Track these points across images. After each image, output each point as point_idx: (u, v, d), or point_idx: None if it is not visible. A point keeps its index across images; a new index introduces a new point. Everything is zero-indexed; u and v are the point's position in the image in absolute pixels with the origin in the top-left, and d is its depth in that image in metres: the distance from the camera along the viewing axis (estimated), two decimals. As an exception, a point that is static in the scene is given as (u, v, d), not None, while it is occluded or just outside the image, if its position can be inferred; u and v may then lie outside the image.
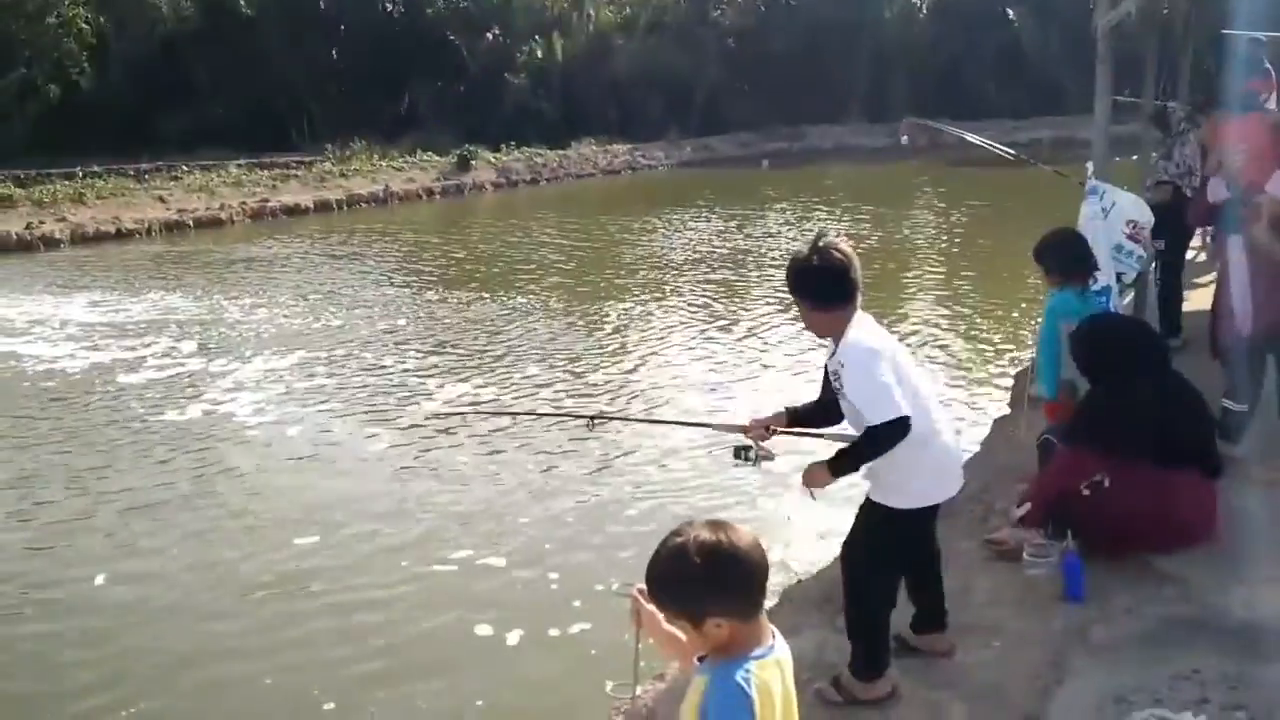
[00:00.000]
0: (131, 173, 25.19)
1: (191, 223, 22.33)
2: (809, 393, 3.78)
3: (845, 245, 3.37)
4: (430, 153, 30.31)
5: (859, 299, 3.38)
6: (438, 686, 4.77)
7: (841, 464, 3.35)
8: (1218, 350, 5.34)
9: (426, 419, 5.89)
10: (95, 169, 25.02)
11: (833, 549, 5.50)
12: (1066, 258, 5.00)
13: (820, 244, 3.34)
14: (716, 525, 2.00)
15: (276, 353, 11.20)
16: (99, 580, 5.98)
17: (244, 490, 7.27)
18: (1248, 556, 4.14)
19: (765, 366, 10.25)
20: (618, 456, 7.70)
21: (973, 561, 4.41)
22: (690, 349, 11.11)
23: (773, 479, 6.32)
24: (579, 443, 7.98)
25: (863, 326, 3.37)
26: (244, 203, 23.64)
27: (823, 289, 3.36)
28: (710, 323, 12.29)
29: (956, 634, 3.83)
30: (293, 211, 24.05)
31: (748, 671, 1.92)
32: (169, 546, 6.38)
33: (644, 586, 2.20)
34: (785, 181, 28.11)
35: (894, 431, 3.22)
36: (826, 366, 3.48)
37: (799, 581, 4.75)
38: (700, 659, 2.05)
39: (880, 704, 3.47)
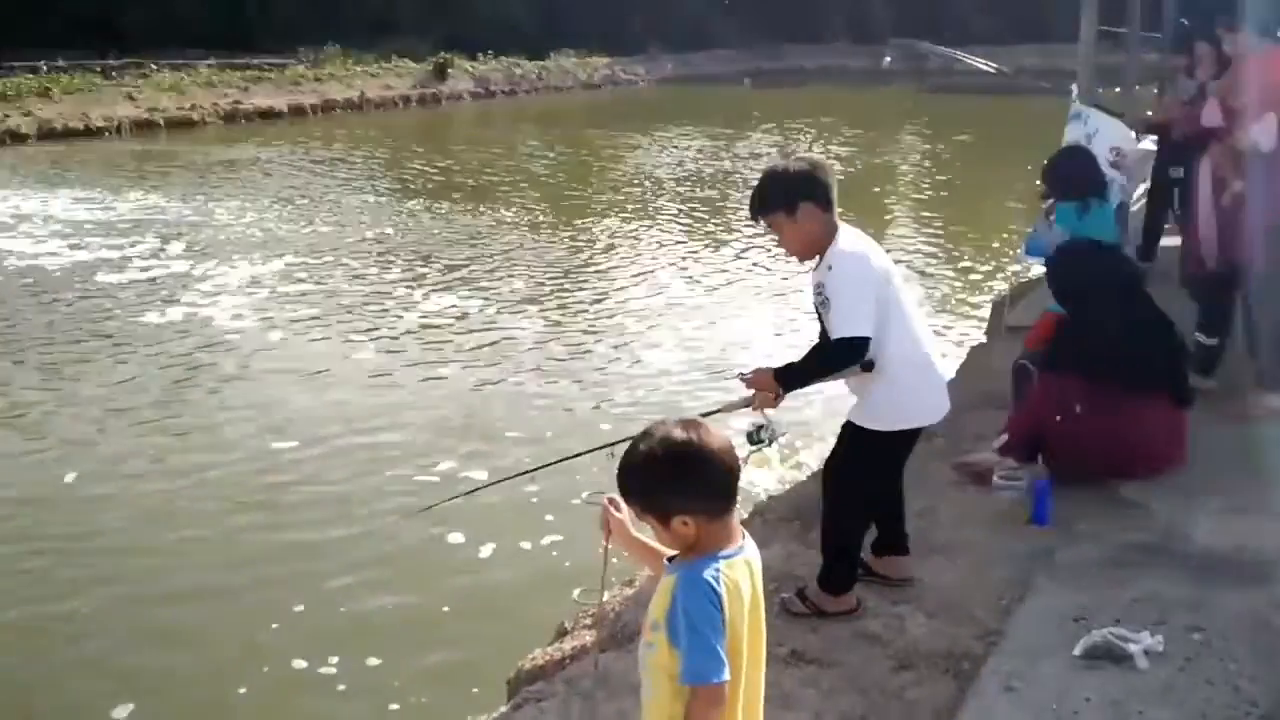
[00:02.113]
0: (99, 69, 24.47)
1: (163, 122, 21.85)
2: (802, 318, 3.67)
3: (815, 156, 3.26)
4: (406, 59, 29.55)
5: (835, 212, 3.26)
6: (408, 598, 4.73)
7: (792, 375, 3.27)
8: (1186, 282, 5.29)
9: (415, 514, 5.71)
10: (60, 64, 24.25)
11: (803, 470, 5.56)
12: (1072, 176, 5.10)
13: (787, 154, 3.24)
14: (688, 424, 1.97)
15: (262, 258, 11.04)
16: (69, 479, 5.88)
17: (224, 396, 7.20)
18: (1212, 487, 4.16)
19: (755, 286, 10.18)
20: (606, 376, 7.66)
21: (942, 484, 4.42)
22: (680, 268, 11.01)
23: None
24: (564, 362, 7.96)
25: (854, 236, 3.27)
26: (216, 104, 23.11)
27: (793, 193, 3.20)
28: (700, 242, 12.19)
29: (922, 552, 3.84)
30: (266, 115, 23.55)
31: (717, 570, 1.90)
32: (143, 451, 6.30)
33: (613, 496, 2.19)
34: (769, 102, 27.72)
35: (853, 351, 3.14)
36: (813, 283, 3.38)
37: (769, 498, 4.75)
38: (670, 560, 2.04)
39: (844, 616, 3.49)
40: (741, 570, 1.94)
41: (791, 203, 3.22)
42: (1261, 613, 3.28)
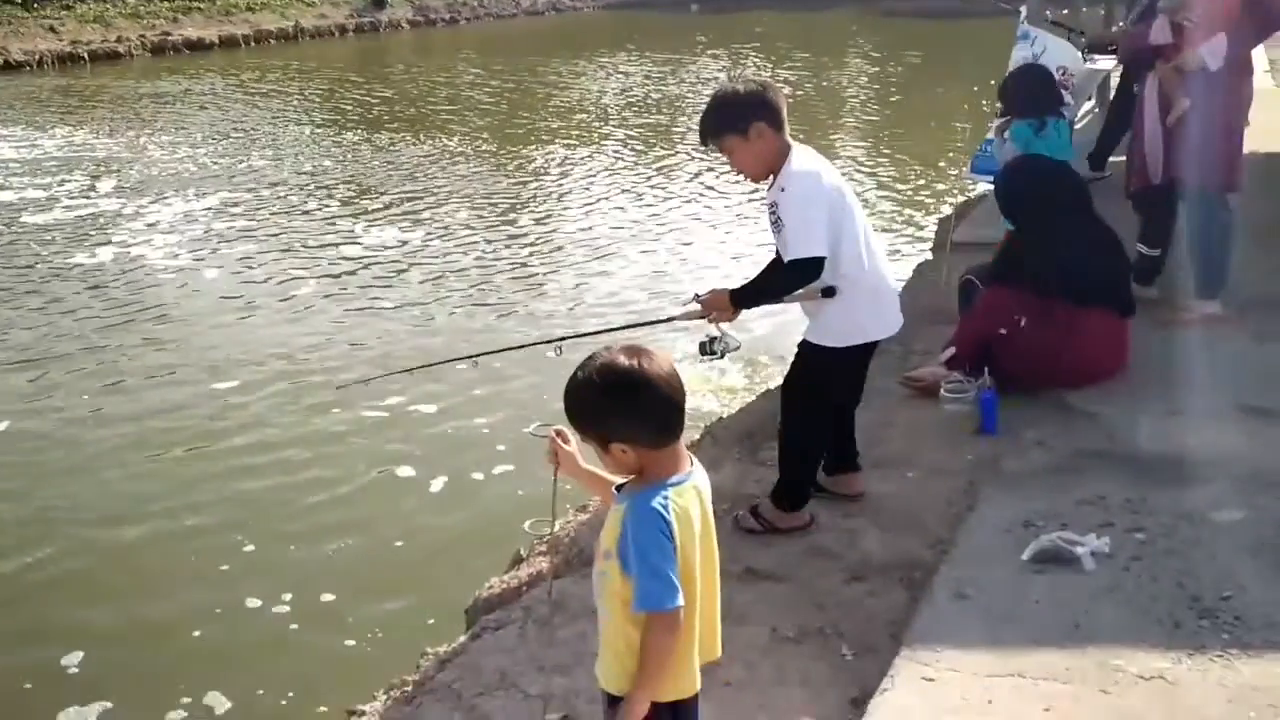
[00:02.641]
0: (18, 0, 23.27)
1: (87, 55, 20.93)
2: (758, 240, 3.62)
3: (764, 77, 3.20)
4: (342, -14, 28.59)
5: (787, 131, 3.23)
6: (362, 535, 4.65)
7: (745, 295, 3.28)
8: (1131, 194, 5.32)
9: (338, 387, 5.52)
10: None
11: (754, 391, 5.54)
12: (1030, 94, 5.12)
13: (735, 77, 3.17)
14: (633, 351, 1.91)
15: (196, 194, 10.70)
16: (1, 427, 5.70)
17: (161, 338, 6.99)
18: (1154, 392, 4.21)
19: (708, 208, 10.08)
20: (556, 306, 7.55)
21: (891, 399, 4.43)
22: (632, 194, 10.86)
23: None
24: (512, 294, 7.83)
25: (807, 155, 3.24)
26: (143, 36, 22.18)
27: (745, 115, 3.17)
28: (650, 168, 12.03)
29: (873, 466, 3.86)
30: (196, 46, 22.68)
31: (665, 498, 1.87)
32: (80, 397, 6.10)
33: (561, 428, 2.15)
34: (716, 26, 27.29)
35: (808, 270, 3.15)
36: (767, 202, 3.34)
37: (721, 419, 4.74)
38: (618, 489, 2.00)
39: (798, 532, 3.50)
40: (690, 496, 1.91)
41: (744, 125, 3.19)
42: (1198, 511, 3.34)
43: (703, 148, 3.37)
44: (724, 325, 3.34)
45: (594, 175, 11.76)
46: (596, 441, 1.93)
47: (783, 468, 3.57)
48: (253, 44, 23.72)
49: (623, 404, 1.89)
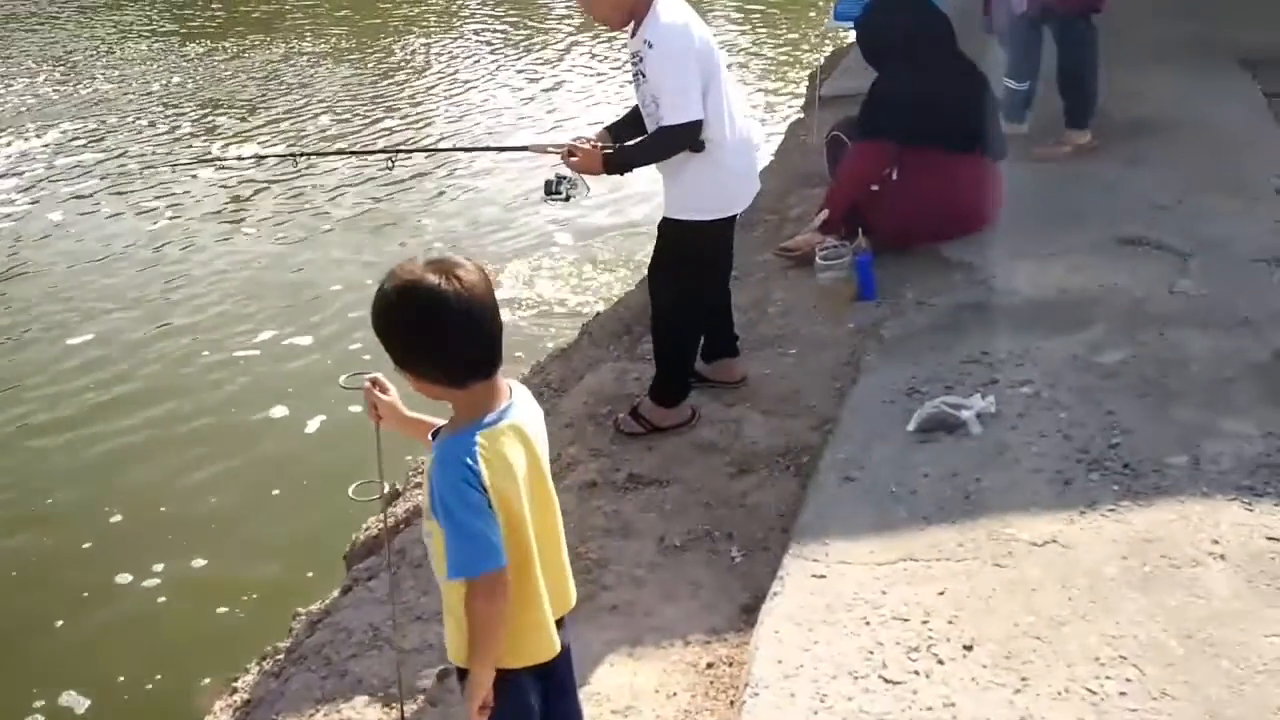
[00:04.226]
0: None
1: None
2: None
3: None
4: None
5: None
6: (231, 492, 4.23)
7: (619, 159, 2.98)
8: (994, 27, 5.02)
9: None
10: None
11: (631, 280, 5.22)
12: None
13: None
14: (440, 266, 1.56)
15: (36, 129, 9.67)
16: None
17: (4, 294, 6.32)
18: (1031, 235, 4.02)
19: (585, 89, 9.49)
20: (434, 210, 7.03)
21: (769, 273, 4.17)
22: (500, 80, 10.18)
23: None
24: (381, 202, 7.29)
25: (674, 6, 2.87)
26: (-52, -45, 19.89)
27: None
28: (513, 49, 11.30)
29: (754, 347, 3.62)
30: (14, -35, 20.46)
31: (473, 444, 1.56)
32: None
33: (376, 376, 1.84)
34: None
35: (687, 135, 2.87)
36: (629, 51, 2.97)
37: (597, 315, 4.43)
38: (433, 435, 1.69)
39: (681, 429, 3.26)
40: (508, 438, 1.61)
41: None
42: (1082, 356, 3.18)
43: (566, 16, 2.96)
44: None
45: (459, 62, 11.00)
46: (402, 370, 1.62)
47: (659, 361, 3.30)
48: (78, -48, 21.50)
49: (422, 336, 1.57)
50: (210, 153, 8.65)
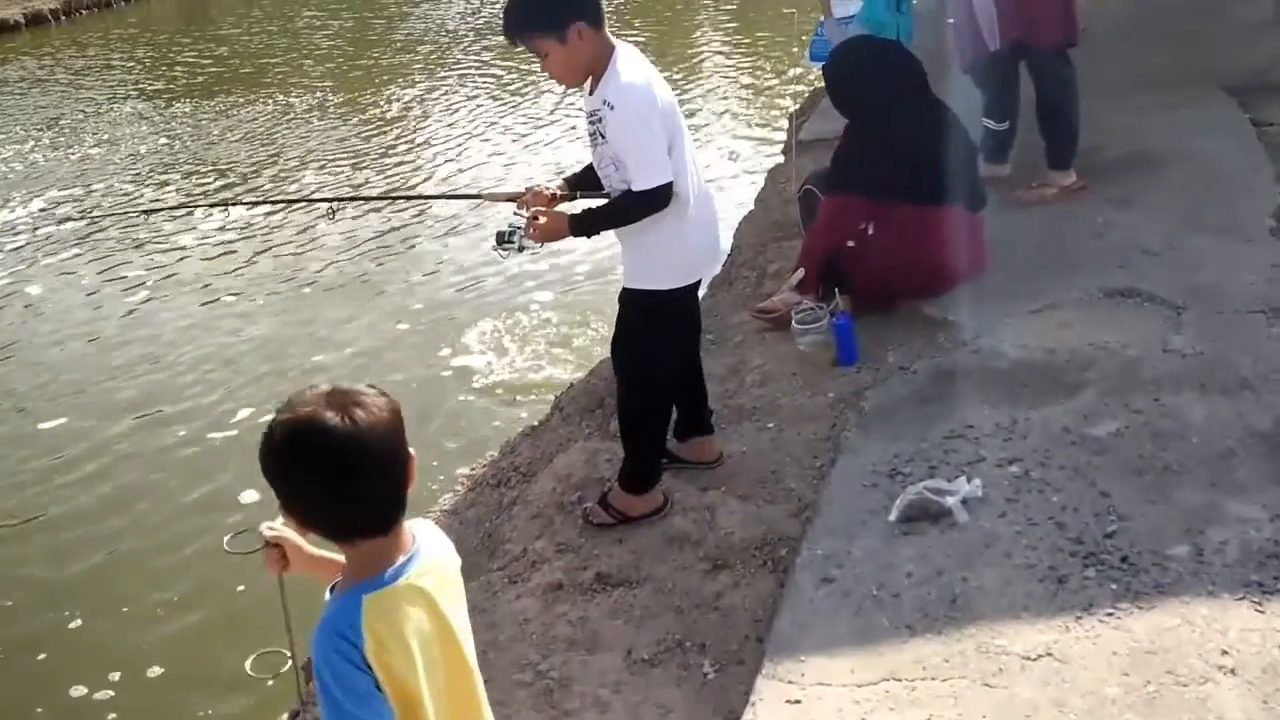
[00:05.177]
0: None
1: (-119, 55, 18.72)
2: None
3: None
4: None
5: (606, 27, 2.66)
6: (199, 605, 3.90)
7: (586, 223, 2.78)
8: (967, 66, 4.79)
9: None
10: None
11: (608, 338, 4.98)
12: None
13: None
14: (339, 402, 1.35)
15: (22, 198, 9.54)
16: None
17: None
18: (1015, 287, 3.80)
19: (572, 128, 9.30)
20: (431, 263, 6.80)
21: (746, 336, 3.95)
22: (495, 126, 10.02)
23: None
24: (379, 258, 7.07)
25: (634, 62, 2.68)
26: (-66, 22, 19.92)
27: (561, 11, 2.60)
28: (509, 93, 11.16)
29: (730, 421, 3.41)
30: (1, 29, 20.49)
31: (357, 609, 1.35)
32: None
33: (271, 525, 1.60)
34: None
35: (656, 199, 2.68)
36: (587, 110, 2.78)
37: (570, 387, 4.21)
38: (331, 589, 1.49)
39: (653, 517, 3.04)
40: (407, 599, 1.39)
41: (560, 24, 2.60)
42: (1073, 428, 2.95)
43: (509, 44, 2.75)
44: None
45: (452, 111, 10.85)
46: (285, 516, 1.43)
47: (626, 445, 3.07)
48: (63, 18, 21.38)
49: (306, 484, 1.36)
50: (194, 216, 8.47)
